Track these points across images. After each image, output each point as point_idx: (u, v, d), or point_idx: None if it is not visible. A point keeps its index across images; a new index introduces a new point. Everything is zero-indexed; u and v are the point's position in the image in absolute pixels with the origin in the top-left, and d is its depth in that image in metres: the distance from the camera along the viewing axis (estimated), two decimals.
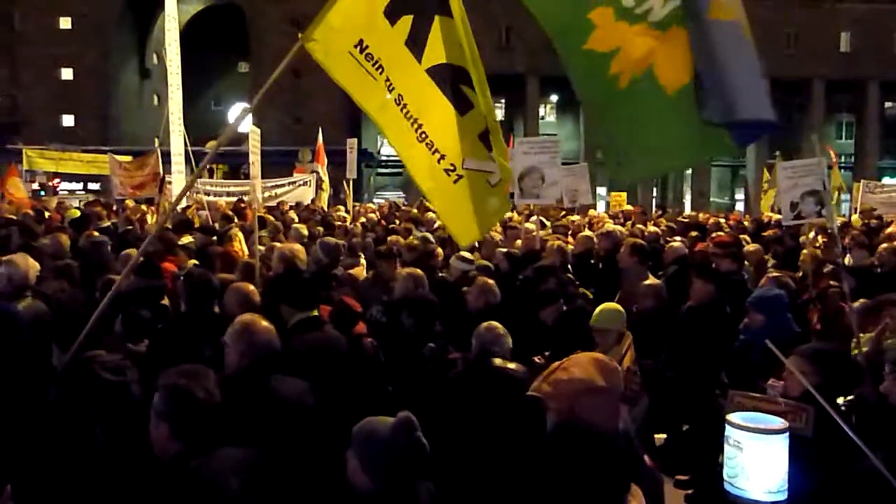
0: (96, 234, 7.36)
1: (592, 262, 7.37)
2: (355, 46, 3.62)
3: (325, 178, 15.85)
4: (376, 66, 3.67)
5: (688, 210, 29.16)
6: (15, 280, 4.46)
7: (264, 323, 3.17)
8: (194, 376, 2.35)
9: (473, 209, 4.06)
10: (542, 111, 43.07)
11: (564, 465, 1.91)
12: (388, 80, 3.71)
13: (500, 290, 5.05)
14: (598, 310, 4.35)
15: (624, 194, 18.64)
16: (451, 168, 3.94)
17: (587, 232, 8.82)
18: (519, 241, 8.10)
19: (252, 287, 4.17)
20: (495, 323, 3.87)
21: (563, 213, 13.01)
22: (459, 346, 4.13)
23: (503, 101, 45.80)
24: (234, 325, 3.17)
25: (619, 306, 4.34)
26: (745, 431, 2.00)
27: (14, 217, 10.65)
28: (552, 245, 7.00)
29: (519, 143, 8.16)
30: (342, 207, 14.45)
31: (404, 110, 3.78)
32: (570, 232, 9.63)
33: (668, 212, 18.31)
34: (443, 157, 3.91)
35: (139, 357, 3.55)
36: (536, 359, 4.37)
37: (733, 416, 2.06)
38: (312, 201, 15.53)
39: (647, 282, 5.34)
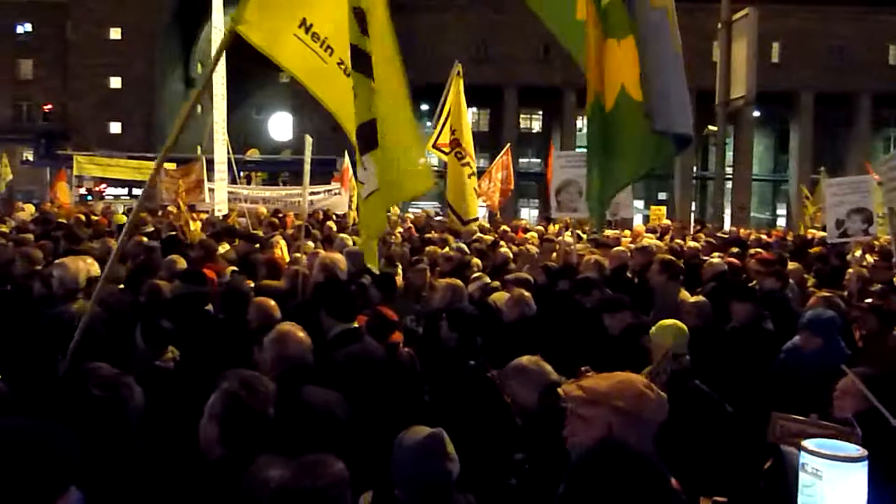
0: (145, 239, 7.55)
1: (628, 276, 7.29)
2: (300, 26, 3.41)
3: (354, 196, 15.96)
4: (324, 46, 3.48)
5: (727, 225, 28.69)
6: (66, 283, 4.60)
7: (300, 333, 3.22)
8: (253, 388, 2.41)
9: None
10: (579, 123, 42.87)
11: (601, 487, 1.90)
12: (341, 61, 3.52)
13: (536, 303, 5.03)
14: (658, 325, 4.29)
15: (663, 208, 18.45)
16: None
17: (621, 246, 8.75)
18: (554, 255, 8.06)
19: (273, 302, 4.19)
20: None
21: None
22: (493, 357, 4.12)
23: (541, 112, 45.77)
24: (272, 333, 3.24)
25: (681, 324, 4.28)
26: (823, 459, 1.95)
27: (63, 221, 11.00)
28: (588, 259, 6.96)
29: (557, 157, 8.16)
30: None
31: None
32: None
33: (707, 226, 18.01)
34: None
35: (166, 372, 3.58)
36: (583, 369, 4.33)
37: (810, 444, 2.00)
38: (347, 213, 15.66)
39: (692, 299, 5.26)
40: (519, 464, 3.06)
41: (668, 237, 11.81)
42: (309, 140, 7.36)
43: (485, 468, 2.83)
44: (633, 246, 8.81)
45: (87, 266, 4.94)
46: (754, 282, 6.43)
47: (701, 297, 5.57)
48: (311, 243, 8.48)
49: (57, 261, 5.05)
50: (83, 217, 11.87)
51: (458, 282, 5.32)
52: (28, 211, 14.16)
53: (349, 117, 3.49)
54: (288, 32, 3.39)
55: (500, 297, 5.32)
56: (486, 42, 38.21)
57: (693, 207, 39.90)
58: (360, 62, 3.31)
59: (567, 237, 8.32)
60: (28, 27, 43.95)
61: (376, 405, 3.40)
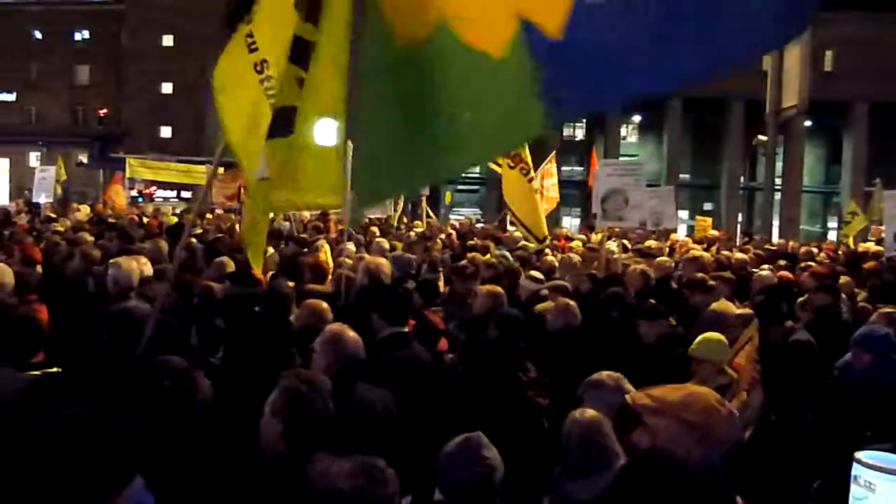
0: (193, 241, 7.75)
1: (674, 287, 7.17)
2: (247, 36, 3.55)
3: (400, 201, 16.07)
4: (252, 47, 3.56)
5: (775, 237, 28.02)
6: (121, 282, 4.75)
7: (352, 333, 3.26)
8: (314, 385, 2.45)
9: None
10: (623, 131, 42.42)
11: (640, 495, 1.86)
12: (264, 61, 3.55)
13: (581, 312, 4.98)
14: (700, 339, 4.21)
15: (709, 219, 18.08)
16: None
17: (665, 257, 8.62)
18: (596, 263, 7.98)
19: (325, 304, 4.25)
20: None
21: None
22: (537, 367, 4.10)
23: (584, 120, 45.42)
24: (324, 333, 3.28)
25: (721, 337, 4.19)
26: (877, 472, 1.90)
27: (115, 221, 11.35)
28: (634, 269, 6.87)
29: (604, 165, 8.11)
30: (419, 223, 14.64)
31: (269, 92, 3.57)
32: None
33: (754, 239, 17.61)
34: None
35: (220, 369, 3.66)
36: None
37: (863, 455, 1.96)
38: (389, 217, 15.79)
39: (738, 311, 5.15)
40: None
41: (714, 248, 11.58)
42: (350, 145, 7.44)
43: (523, 476, 2.81)
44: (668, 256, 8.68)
45: (140, 266, 5.09)
46: (805, 296, 6.26)
47: (748, 310, 5.45)
48: (352, 247, 8.58)
49: (111, 260, 5.21)
50: (136, 218, 12.23)
51: (499, 289, 5.30)
52: (84, 212, 14.65)
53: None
54: (239, 38, 3.55)
55: (548, 306, 5.29)
56: None
57: (740, 219, 39.06)
58: (299, 52, 3.32)
59: (612, 246, 8.23)
60: (85, 34, 45.56)
61: (420, 410, 3.41)
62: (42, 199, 18.15)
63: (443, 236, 11.75)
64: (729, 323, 4.78)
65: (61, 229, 9.73)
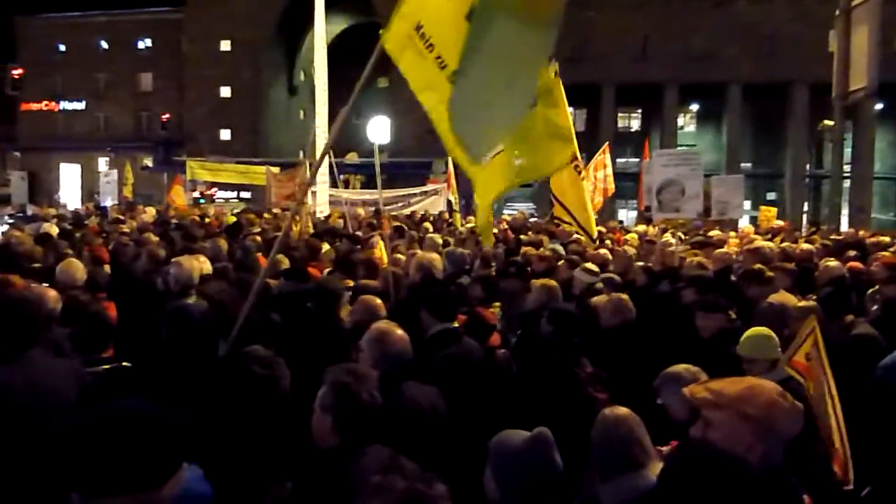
0: (251, 240, 7.96)
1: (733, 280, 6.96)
2: (414, 28, 3.60)
3: (456, 200, 16.10)
4: (428, 44, 3.58)
5: (844, 227, 26.87)
6: (181, 280, 4.91)
7: (399, 331, 3.28)
8: (360, 378, 2.50)
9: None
10: (680, 121, 41.37)
11: (686, 490, 1.82)
12: (439, 57, 3.58)
13: (636, 305, 4.89)
14: (745, 336, 4.04)
15: (774, 209, 17.42)
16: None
17: (726, 248, 8.37)
18: (654, 256, 7.83)
19: (379, 301, 4.30)
20: None
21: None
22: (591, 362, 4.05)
23: (640, 111, 44.54)
24: (371, 331, 3.30)
25: (769, 332, 4.01)
26: None
27: (178, 222, 11.75)
28: (691, 261, 6.71)
29: (658, 156, 7.94)
30: (472, 218, 14.63)
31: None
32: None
33: (821, 229, 16.92)
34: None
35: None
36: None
37: None
38: (442, 213, 15.85)
39: (800, 304, 4.95)
40: None
41: (778, 239, 11.19)
42: (377, 146, 7.59)
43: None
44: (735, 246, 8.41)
45: (200, 264, 5.26)
46: (875, 287, 5.98)
47: (811, 303, 5.24)
48: (403, 243, 8.66)
49: (173, 259, 5.40)
50: (197, 218, 12.63)
51: (553, 282, 5.25)
52: (150, 213, 15.21)
53: (434, 107, 3.61)
54: (405, 35, 3.61)
55: (602, 300, 5.22)
56: (583, 41, 37.61)
57: (805, 208, 37.60)
58: None
59: (668, 238, 8.06)
60: (148, 42, 47.22)
61: (472, 406, 3.41)
62: (108, 202, 18.91)
63: (496, 231, 11.72)
64: (789, 316, 4.59)
65: (128, 231, 10.12)
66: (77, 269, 5.20)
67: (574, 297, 5.84)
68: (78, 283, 5.02)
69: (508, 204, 36.84)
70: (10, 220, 13.75)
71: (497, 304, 5.61)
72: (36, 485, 2.32)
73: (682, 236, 10.49)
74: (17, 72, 44.65)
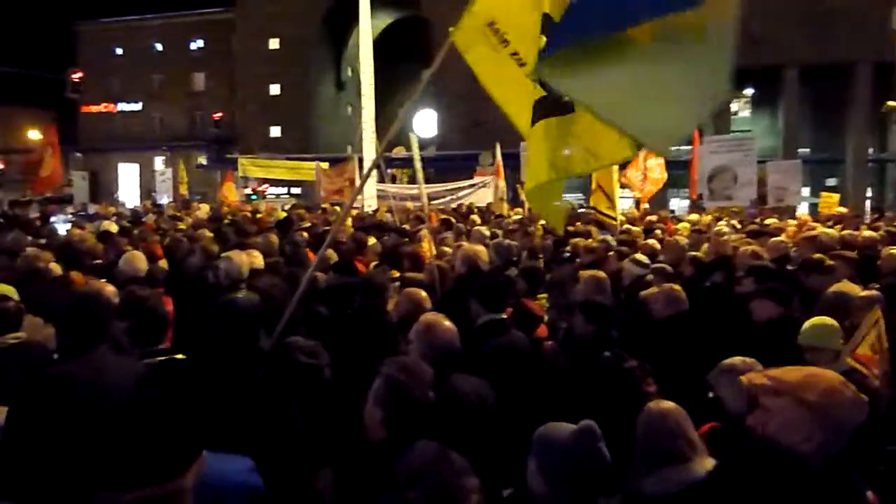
0: (306, 234, 8.10)
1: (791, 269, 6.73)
2: (487, 24, 3.63)
3: (503, 190, 16.07)
4: (502, 41, 3.60)
5: None
6: (232, 274, 5.03)
7: (447, 323, 3.28)
8: (413, 374, 2.52)
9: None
10: (734, 106, 40.18)
11: (742, 484, 1.76)
12: (515, 53, 3.60)
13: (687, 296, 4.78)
14: (807, 324, 3.91)
15: (836, 195, 16.75)
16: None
17: (783, 236, 8.11)
18: (705, 245, 7.64)
19: (424, 294, 4.31)
20: None
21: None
22: (639, 354, 3.97)
23: None
24: (419, 323, 3.31)
25: (832, 321, 3.87)
26: None
27: (231, 218, 12.03)
28: (746, 250, 6.52)
29: (707, 142, 7.74)
30: (521, 210, 14.56)
31: (537, 84, 3.58)
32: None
33: (885, 215, 16.22)
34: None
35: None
36: None
37: None
38: (490, 205, 15.81)
39: (864, 293, 4.76)
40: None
41: (839, 227, 10.78)
42: (414, 139, 7.57)
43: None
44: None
45: (250, 259, 5.37)
46: None
47: (874, 292, 5.02)
48: (451, 236, 8.67)
49: (223, 254, 5.53)
50: (249, 214, 12.91)
51: (602, 273, 5.18)
52: (204, 210, 15.62)
53: (513, 103, 3.64)
54: (478, 31, 3.65)
55: (653, 292, 5.13)
56: None
57: (869, 194, 36.09)
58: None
59: (722, 227, 7.85)
60: (200, 43, 48.38)
61: (519, 398, 3.40)
62: (164, 199, 19.47)
63: (543, 222, 11.62)
64: (852, 306, 4.42)
65: (183, 227, 10.42)
66: (140, 261, 5.38)
67: (624, 288, 5.75)
68: (140, 274, 5.19)
69: None
70: (73, 219, 14.31)
71: (544, 295, 5.57)
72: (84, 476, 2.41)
73: (737, 225, 10.21)
74: (77, 76, 46.30)
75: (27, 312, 3.79)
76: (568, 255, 6.61)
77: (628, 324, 4.45)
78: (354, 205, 13.58)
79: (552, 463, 2.31)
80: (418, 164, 7.50)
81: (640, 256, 6.07)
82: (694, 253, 6.85)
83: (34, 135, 49.03)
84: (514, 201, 16.51)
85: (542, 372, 3.89)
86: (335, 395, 3.23)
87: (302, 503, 2.85)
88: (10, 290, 4.05)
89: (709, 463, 2.43)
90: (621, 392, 3.41)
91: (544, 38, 3.17)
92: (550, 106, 3.42)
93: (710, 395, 3.33)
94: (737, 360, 3.09)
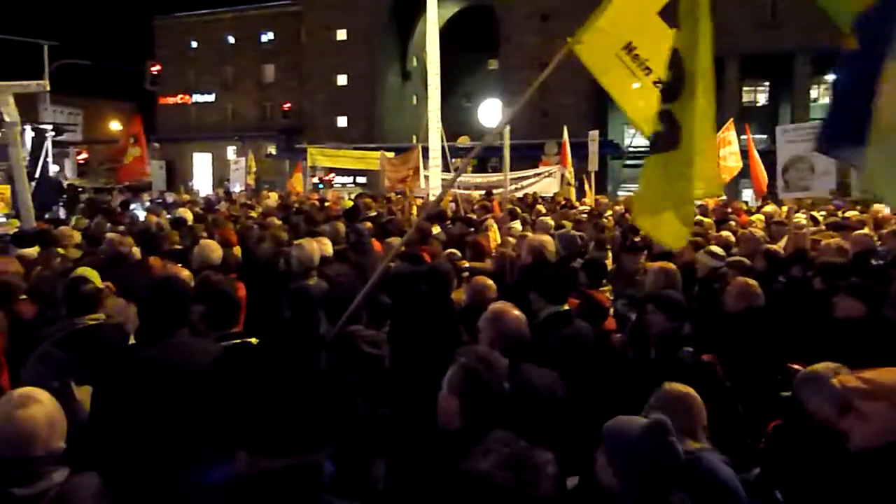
0: (370, 224, 8.21)
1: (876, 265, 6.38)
2: (623, 48, 3.63)
3: (571, 176, 15.86)
4: (643, 67, 3.63)
5: None
6: (303, 261, 5.15)
7: (516, 312, 3.26)
8: (490, 364, 2.51)
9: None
10: (814, 93, 38.31)
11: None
12: (658, 81, 3.63)
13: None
14: None
15: None
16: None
17: (866, 230, 7.69)
18: (785, 239, 7.33)
19: (491, 282, 4.30)
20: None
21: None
22: (711, 348, 3.86)
23: (767, 83, 41.72)
24: (488, 311, 3.30)
25: None
26: None
27: (299, 207, 12.30)
28: (828, 244, 6.21)
29: (782, 132, 7.39)
30: (587, 201, 14.36)
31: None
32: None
33: None
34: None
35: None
36: (795, 366, 3.92)
37: None
38: (556, 194, 15.64)
39: None
40: None
41: None
42: (507, 128, 7.49)
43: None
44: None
45: (320, 247, 5.48)
46: None
47: None
48: (518, 226, 8.62)
49: (295, 241, 5.65)
50: (317, 203, 13.16)
51: (671, 265, 5.04)
52: (273, 198, 16.02)
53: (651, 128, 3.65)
54: (611, 53, 3.69)
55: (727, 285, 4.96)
56: None
57: None
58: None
59: (800, 219, 7.52)
60: (270, 35, 49.52)
61: (585, 390, 3.35)
62: (237, 188, 20.04)
63: (611, 213, 11.42)
64: None
65: (255, 215, 10.72)
66: (214, 249, 5.56)
67: (697, 280, 5.59)
68: (214, 262, 5.37)
69: (624, 185, 35.80)
70: (151, 206, 14.95)
71: (608, 286, 5.48)
72: (172, 452, 2.50)
73: (819, 217, 9.76)
74: (155, 68, 48.11)
75: (111, 294, 3.97)
76: (637, 245, 6.45)
77: (702, 317, 4.31)
78: (418, 194, 13.68)
79: (623, 456, 2.28)
80: (507, 154, 7.38)
81: (715, 248, 5.87)
82: (769, 246, 6.58)
83: (115, 125, 51.40)
84: (581, 191, 16.28)
85: (610, 364, 3.83)
86: (395, 385, 3.26)
87: (355, 491, 2.89)
88: (92, 274, 4.25)
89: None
90: (701, 387, 3.31)
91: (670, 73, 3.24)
92: (663, 141, 3.53)
93: (784, 393, 3.20)
94: (820, 367, 2.94)
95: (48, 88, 9.78)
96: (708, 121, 3.55)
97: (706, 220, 8.91)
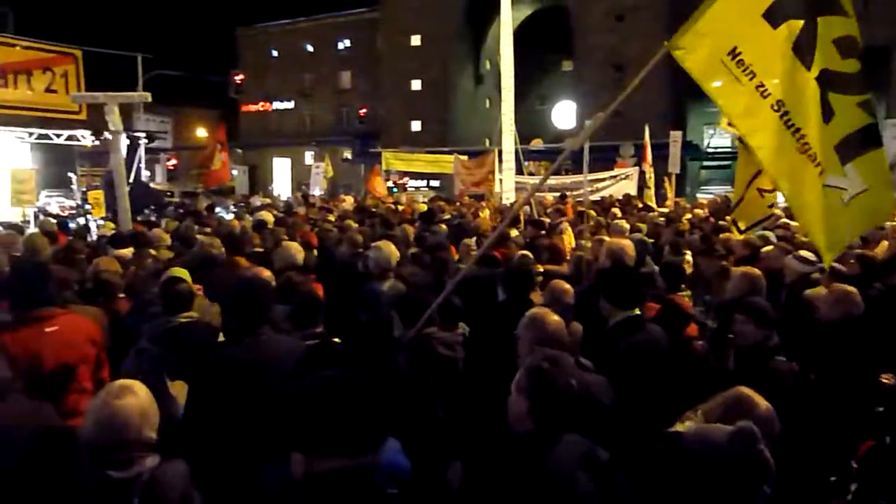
0: (444, 227, 8.29)
1: None
2: (728, 54, 3.55)
3: (651, 176, 15.50)
4: (747, 72, 3.54)
5: None
6: (380, 263, 5.24)
7: (554, 316, 3.24)
8: (558, 364, 2.50)
9: (829, 227, 3.72)
10: None
11: None
12: (761, 85, 3.55)
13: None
14: None
15: None
16: (830, 185, 3.62)
17: None
18: (884, 243, 6.91)
19: (568, 286, 4.25)
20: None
21: None
22: (804, 359, 3.69)
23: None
24: (524, 317, 3.29)
25: None
26: None
27: (376, 210, 12.53)
28: None
29: (889, 126, 6.97)
30: (669, 204, 14.00)
31: (785, 118, 3.55)
32: None
33: None
34: (823, 171, 3.58)
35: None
36: (884, 378, 3.71)
37: None
38: (632, 197, 15.31)
39: None
40: None
41: None
42: (589, 124, 7.38)
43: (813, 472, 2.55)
44: None
45: (396, 250, 5.57)
46: None
47: None
48: (588, 228, 8.48)
49: (373, 244, 5.77)
50: (392, 206, 13.37)
51: (756, 270, 4.84)
52: (349, 202, 16.39)
53: (757, 135, 3.67)
54: (717, 59, 3.64)
55: (818, 292, 4.73)
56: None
57: None
58: (838, 82, 3.57)
59: None
60: (347, 42, 50.63)
61: (660, 396, 3.27)
62: (315, 192, 20.59)
63: (689, 216, 11.10)
64: None
65: (332, 219, 10.99)
66: (296, 250, 5.74)
67: (785, 287, 5.36)
68: (296, 263, 5.54)
69: (703, 188, 34.68)
70: (235, 209, 15.55)
71: (687, 292, 5.33)
72: (255, 447, 2.60)
73: None
74: (238, 77, 50.03)
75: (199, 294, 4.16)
76: (715, 249, 6.25)
77: (792, 326, 4.12)
78: (492, 197, 13.68)
79: (708, 463, 2.22)
80: (586, 156, 7.23)
81: (805, 253, 5.60)
82: (861, 251, 6.23)
83: (202, 132, 53.71)
84: (660, 193, 15.89)
85: (690, 371, 3.72)
86: (471, 388, 3.27)
87: (429, 492, 2.91)
88: (184, 274, 4.47)
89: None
90: (795, 399, 3.18)
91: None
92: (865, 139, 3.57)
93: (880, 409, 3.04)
94: None
95: (149, 99, 10.31)
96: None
97: (794, 223, 8.52)
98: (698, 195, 29.62)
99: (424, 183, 35.25)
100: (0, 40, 14.77)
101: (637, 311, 3.85)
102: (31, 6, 46.10)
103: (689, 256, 6.59)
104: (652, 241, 7.45)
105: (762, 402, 2.47)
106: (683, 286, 5.37)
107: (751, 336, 3.60)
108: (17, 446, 2.38)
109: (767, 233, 7.24)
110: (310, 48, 51.79)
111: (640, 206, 13.43)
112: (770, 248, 6.32)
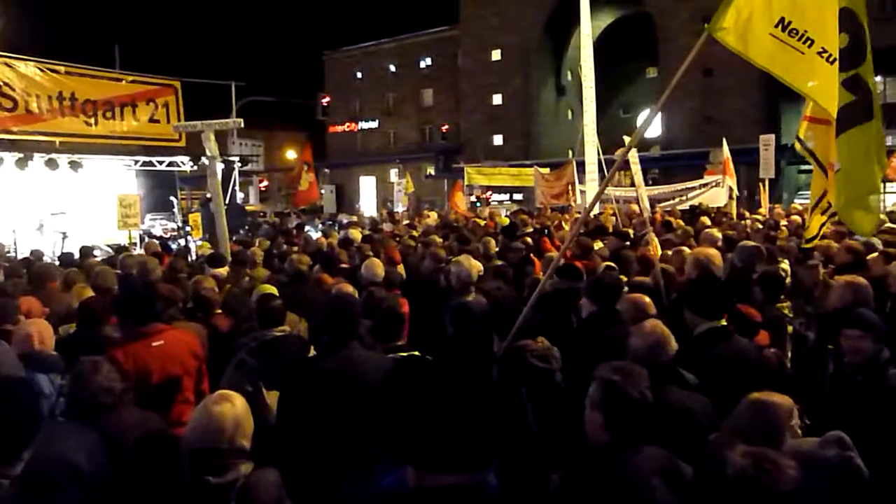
0: (529, 240, 8.28)
1: None
2: (776, 26, 3.44)
3: (734, 187, 14.87)
4: (803, 39, 3.42)
5: None
6: (462, 277, 5.30)
7: (649, 328, 3.18)
8: (629, 375, 2.48)
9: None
10: None
11: None
12: (823, 49, 3.42)
13: None
14: None
15: None
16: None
17: None
18: None
19: (648, 299, 4.16)
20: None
21: None
22: None
23: (880, 79, 36.54)
24: (633, 329, 3.25)
25: None
26: None
27: (457, 224, 12.64)
28: None
29: None
30: (762, 211, 13.42)
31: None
32: None
33: None
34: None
35: None
36: None
37: None
38: (725, 205, 14.74)
39: None
40: None
41: None
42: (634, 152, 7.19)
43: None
44: None
45: (478, 264, 5.61)
46: None
47: None
48: (673, 238, 8.24)
49: (454, 259, 5.83)
50: (478, 221, 13.45)
51: (861, 279, 4.57)
52: (432, 217, 16.60)
53: (830, 99, 3.54)
54: (764, 33, 3.58)
55: None
56: None
57: None
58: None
59: None
60: (428, 61, 51.51)
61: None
62: (399, 208, 20.98)
63: (785, 223, 10.60)
64: None
65: (416, 234, 11.18)
66: (378, 266, 5.90)
67: (891, 296, 5.03)
68: (379, 279, 5.69)
69: (801, 192, 32.92)
70: (323, 227, 16.07)
71: (786, 303, 5.08)
72: (343, 457, 2.68)
73: None
74: (325, 100, 51.79)
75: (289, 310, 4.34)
76: (813, 256, 5.94)
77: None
78: (577, 209, 13.51)
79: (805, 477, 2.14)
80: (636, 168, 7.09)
81: None
82: None
83: (291, 154, 55.86)
84: (750, 201, 15.23)
85: (768, 381, 3.56)
86: (567, 401, 3.25)
87: None
88: (273, 290, 4.68)
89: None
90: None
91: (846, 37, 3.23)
92: (854, 113, 3.40)
93: None
94: None
95: (242, 125, 10.78)
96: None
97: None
98: (796, 201, 28.17)
99: (507, 196, 35.24)
100: (109, 75, 15.90)
101: (723, 322, 3.73)
102: (134, 39, 49.51)
103: (785, 265, 6.29)
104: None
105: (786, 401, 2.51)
106: (783, 297, 5.13)
107: (863, 351, 3.41)
108: (128, 453, 2.56)
109: (874, 239, 6.81)
110: (392, 68, 53.00)
111: (731, 214, 12.92)
112: (875, 254, 5.95)
